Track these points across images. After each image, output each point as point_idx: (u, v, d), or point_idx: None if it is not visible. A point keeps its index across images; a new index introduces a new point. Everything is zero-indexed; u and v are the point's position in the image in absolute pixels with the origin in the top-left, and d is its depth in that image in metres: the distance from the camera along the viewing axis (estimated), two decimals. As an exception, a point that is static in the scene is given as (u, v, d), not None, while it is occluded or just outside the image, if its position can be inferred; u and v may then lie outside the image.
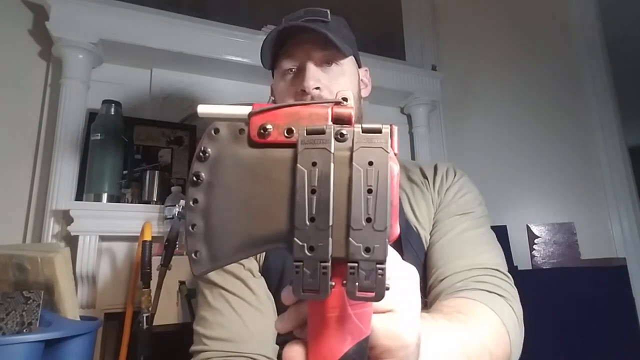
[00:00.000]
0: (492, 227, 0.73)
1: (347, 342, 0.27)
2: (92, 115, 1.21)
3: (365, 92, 0.80)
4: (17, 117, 1.19)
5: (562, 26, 1.81)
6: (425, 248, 0.70)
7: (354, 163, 0.26)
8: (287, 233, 0.27)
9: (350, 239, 0.25)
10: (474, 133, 1.83)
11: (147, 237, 1.04)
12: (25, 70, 1.22)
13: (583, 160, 1.67)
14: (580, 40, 1.77)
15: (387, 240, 0.25)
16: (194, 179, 0.29)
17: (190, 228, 0.28)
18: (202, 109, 0.30)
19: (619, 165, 1.64)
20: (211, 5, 1.49)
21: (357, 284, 0.25)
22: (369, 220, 0.25)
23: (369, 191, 0.25)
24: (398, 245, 0.68)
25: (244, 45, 1.39)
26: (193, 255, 0.28)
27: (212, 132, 0.29)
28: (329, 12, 0.72)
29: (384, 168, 0.26)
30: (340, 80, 0.72)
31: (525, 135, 1.73)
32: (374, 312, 0.29)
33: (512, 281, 0.63)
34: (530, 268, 1.57)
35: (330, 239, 0.25)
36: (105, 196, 1.13)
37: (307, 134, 0.27)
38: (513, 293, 0.61)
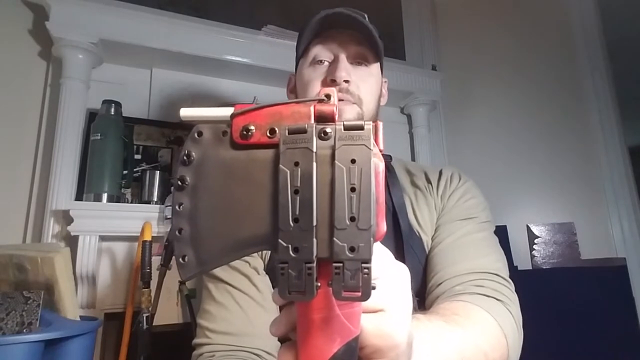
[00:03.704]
0: (494, 230, 0.73)
1: (336, 343, 0.27)
2: (92, 115, 1.21)
3: (382, 102, 0.81)
4: (17, 117, 1.19)
5: (562, 26, 1.81)
6: (427, 252, 0.70)
7: (336, 161, 0.26)
8: (271, 234, 0.26)
9: (335, 238, 0.25)
10: (474, 133, 1.83)
11: (147, 237, 1.04)
12: (25, 70, 1.22)
13: (583, 160, 1.67)
14: (580, 40, 1.77)
15: (371, 239, 0.25)
16: (179, 183, 0.29)
17: (177, 233, 0.28)
18: (185, 112, 0.30)
19: (619, 165, 1.64)
20: (211, 5, 1.49)
21: (342, 284, 0.24)
22: (352, 219, 0.25)
23: (352, 189, 0.25)
24: (400, 249, 0.68)
25: (244, 45, 1.39)
26: (181, 259, 0.28)
27: (196, 135, 0.29)
28: (366, 16, 0.73)
29: (366, 165, 0.25)
30: (369, 81, 0.73)
31: (525, 135, 1.73)
32: (363, 312, 0.28)
33: (512, 286, 0.63)
34: (530, 268, 1.57)
35: (314, 239, 0.25)
36: (105, 196, 1.13)
37: (288, 134, 0.27)
38: (512, 298, 0.60)
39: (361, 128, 0.26)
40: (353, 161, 0.25)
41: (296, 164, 0.26)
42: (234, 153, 0.28)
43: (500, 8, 1.88)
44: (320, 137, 0.26)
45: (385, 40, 0.74)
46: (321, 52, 0.73)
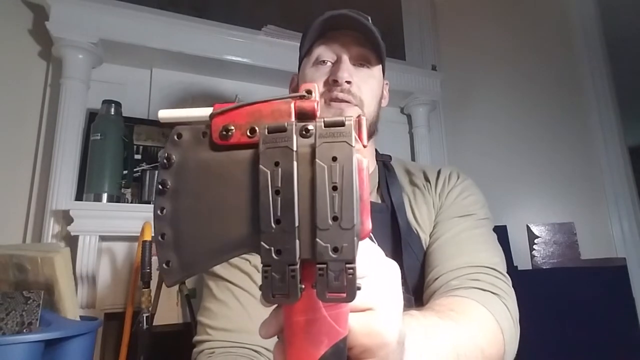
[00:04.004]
0: (492, 227, 0.73)
1: (323, 345, 0.27)
2: (92, 115, 1.21)
3: (383, 103, 0.81)
4: (17, 117, 1.19)
5: (562, 26, 1.81)
6: (425, 250, 0.70)
7: (316, 160, 0.25)
8: (254, 237, 0.26)
9: (317, 239, 0.24)
10: (474, 133, 1.83)
11: (147, 237, 1.04)
12: (25, 70, 1.22)
13: (583, 160, 1.67)
14: (581, 40, 1.77)
15: (355, 238, 0.24)
16: (160, 187, 0.28)
17: (159, 238, 0.28)
18: (163, 114, 0.29)
19: (619, 165, 1.64)
20: (211, 5, 1.49)
21: (326, 285, 0.24)
22: (335, 218, 0.24)
23: (334, 188, 0.24)
24: (398, 247, 0.68)
25: (244, 45, 1.39)
26: (164, 265, 0.27)
27: (175, 137, 0.28)
28: (370, 18, 0.74)
29: (348, 163, 0.24)
30: (370, 82, 0.74)
31: (525, 135, 1.73)
32: (352, 311, 0.28)
33: (509, 281, 0.63)
34: (530, 268, 1.57)
35: (297, 240, 0.24)
36: (105, 196, 1.13)
37: (268, 133, 0.26)
38: (509, 292, 0.61)
39: (342, 124, 0.25)
40: (334, 159, 0.25)
41: (276, 163, 0.25)
42: (214, 154, 0.28)
43: (500, 8, 1.88)
44: (301, 135, 0.26)
45: (385, 40, 0.75)
46: (324, 52, 0.74)
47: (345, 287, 0.24)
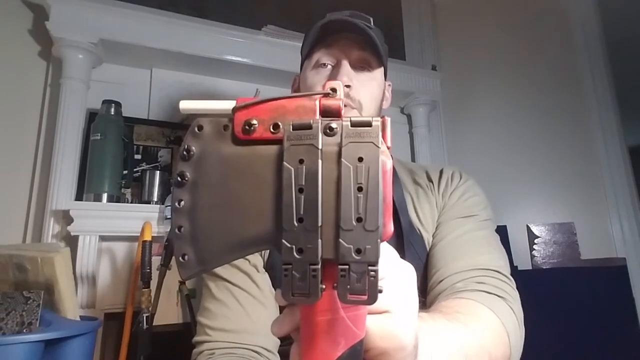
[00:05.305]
0: (495, 228, 0.73)
1: (340, 346, 0.26)
2: (92, 115, 1.21)
3: (385, 105, 0.81)
4: (17, 117, 1.19)
5: (562, 26, 1.81)
6: (428, 250, 0.70)
7: (342, 159, 0.24)
8: (275, 234, 0.25)
9: (341, 240, 0.24)
10: (474, 133, 1.83)
11: (147, 237, 1.04)
12: (25, 70, 1.22)
13: (583, 160, 1.67)
14: (581, 40, 1.77)
15: (378, 240, 0.24)
16: (179, 179, 0.28)
17: (176, 230, 0.27)
18: (184, 105, 0.29)
19: (619, 165, 1.64)
20: (211, 5, 1.49)
21: (348, 287, 0.23)
22: (359, 220, 0.24)
23: (359, 189, 0.24)
24: (400, 246, 0.68)
25: (244, 45, 1.39)
26: (180, 258, 0.27)
27: (196, 129, 0.28)
28: (372, 20, 0.73)
29: (374, 164, 0.24)
30: (370, 85, 0.73)
31: (525, 135, 1.73)
32: (369, 313, 0.28)
33: (513, 284, 0.63)
34: (530, 268, 1.57)
35: (319, 240, 0.24)
36: (105, 196, 1.13)
37: (293, 130, 0.25)
38: (514, 295, 0.60)
39: (369, 125, 0.25)
40: (360, 159, 0.24)
41: (301, 161, 0.25)
42: (235, 148, 0.27)
43: (500, 8, 1.88)
44: (325, 133, 0.25)
45: (385, 40, 0.74)
46: (324, 56, 0.73)
47: (367, 289, 0.23)
